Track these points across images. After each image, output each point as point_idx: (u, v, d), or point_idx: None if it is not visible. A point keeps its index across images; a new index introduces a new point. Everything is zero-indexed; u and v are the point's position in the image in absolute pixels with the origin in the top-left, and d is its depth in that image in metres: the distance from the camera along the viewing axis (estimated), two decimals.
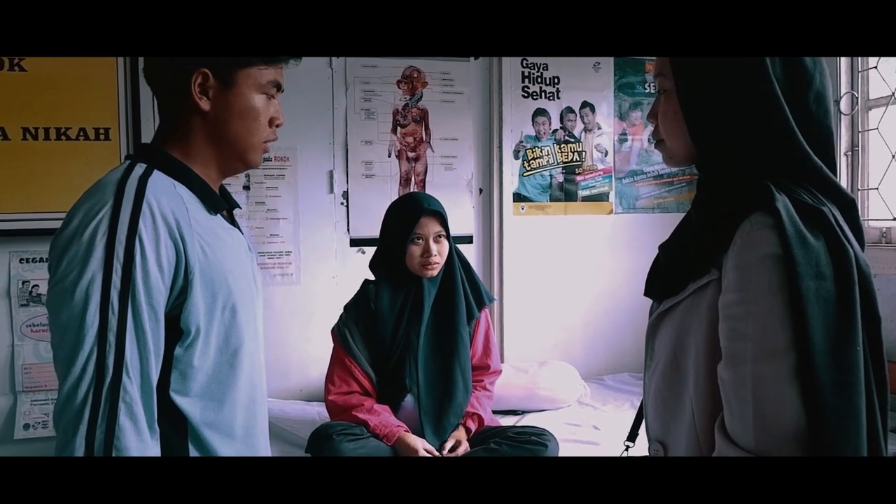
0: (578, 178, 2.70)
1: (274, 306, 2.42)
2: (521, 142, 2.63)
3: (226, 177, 1.07)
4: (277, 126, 1.06)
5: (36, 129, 2.13)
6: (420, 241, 1.85)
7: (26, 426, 2.17)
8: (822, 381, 0.71)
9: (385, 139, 2.51)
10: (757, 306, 0.74)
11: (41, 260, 2.16)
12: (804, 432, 0.71)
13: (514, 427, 1.94)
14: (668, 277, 0.88)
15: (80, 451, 0.83)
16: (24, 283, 2.17)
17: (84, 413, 0.84)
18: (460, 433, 1.88)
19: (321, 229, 2.47)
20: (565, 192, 2.69)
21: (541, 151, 2.66)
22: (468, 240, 2.62)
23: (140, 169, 0.93)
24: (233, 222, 1.09)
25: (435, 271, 1.88)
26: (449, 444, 1.84)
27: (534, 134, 2.65)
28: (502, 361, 2.53)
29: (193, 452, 0.96)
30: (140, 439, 0.87)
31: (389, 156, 2.52)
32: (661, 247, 0.92)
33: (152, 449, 0.89)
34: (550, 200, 2.67)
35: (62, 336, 0.86)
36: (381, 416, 1.82)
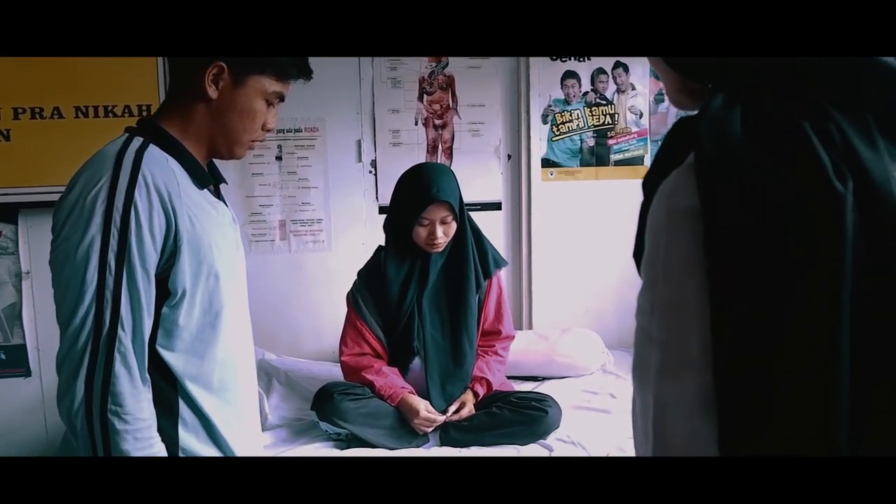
0: (610, 141, 2.62)
1: (306, 272, 2.53)
2: (550, 106, 2.58)
3: (209, 158, 1.16)
4: (268, 131, 1.15)
5: (87, 108, 2.31)
6: (427, 223, 1.88)
7: None
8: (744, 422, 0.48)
9: (412, 107, 2.54)
10: (654, 291, 0.53)
11: None
12: None
13: (517, 392, 1.97)
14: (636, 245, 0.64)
15: (79, 394, 0.95)
16: None
17: (84, 361, 0.94)
18: (467, 396, 1.93)
19: (350, 197, 2.55)
20: (596, 157, 2.62)
21: (570, 115, 2.60)
22: (496, 206, 2.62)
23: (137, 142, 1.03)
24: (219, 196, 1.18)
25: (440, 249, 1.92)
26: (453, 407, 1.89)
27: (563, 97, 2.59)
28: (530, 328, 2.54)
29: (181, 401, 1.06)
30: (133, 385, 0.97)
31: (416, 124, 2.55)
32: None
33: (144, 394, 0.99)
34: (581, 165, 2.62)
35: (65, 292, 0.97)
36: (388, 378, 1.89)
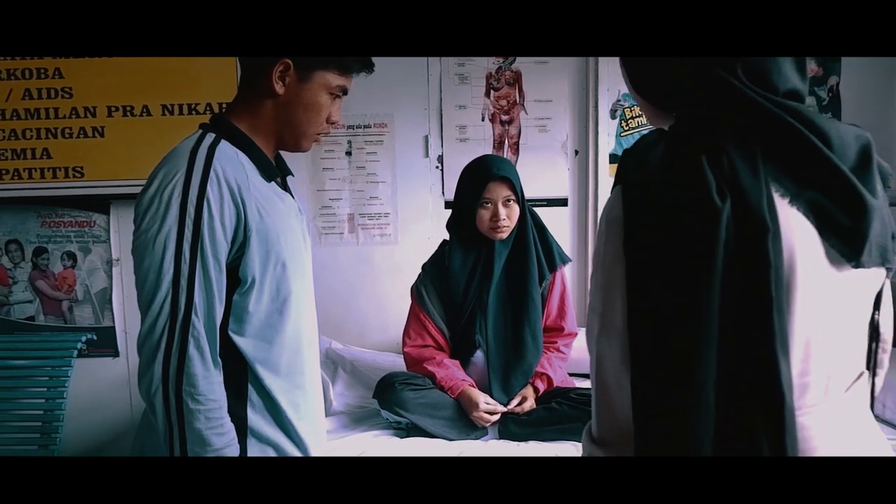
0: None
1: (373, 264, 2.59)
2: (619, 100, 2.54)
3: (277, 151, 1.21)
4: (332, 124, 1.19)
5: (172, 105, 2.45)
6: (489, 205, 1.90)
7: None
8: (643, 371, 0.64)
9: (478, 103, 2.55)
10: (597, 274, 0.72)
11: None
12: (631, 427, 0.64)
13: (577, 388, 1.95)
14: None
15: (157, 375, 1.02)
16: None
17: (161, 344, 1.01)
18: (528, 391, 1.93)
19: (417, 192, 2.59)
20: None
21: (640, 110, 2.54)
22: (563, 202, 2.60)
23: (209, 139, 1.09)
24: (286, 188, 1.23)
25: (504, 234, 1.92)
26: (515, 402, 1.90)
27: None
28: None
29: (250, 384, 1.12)
30: (205, 368, 1.03)
31: (483, 119, 2.56)
32: None
33: (216, 377, 1.05)
34: None
35: (144, 279, 1.04)
36: (449, 370, 1.92)
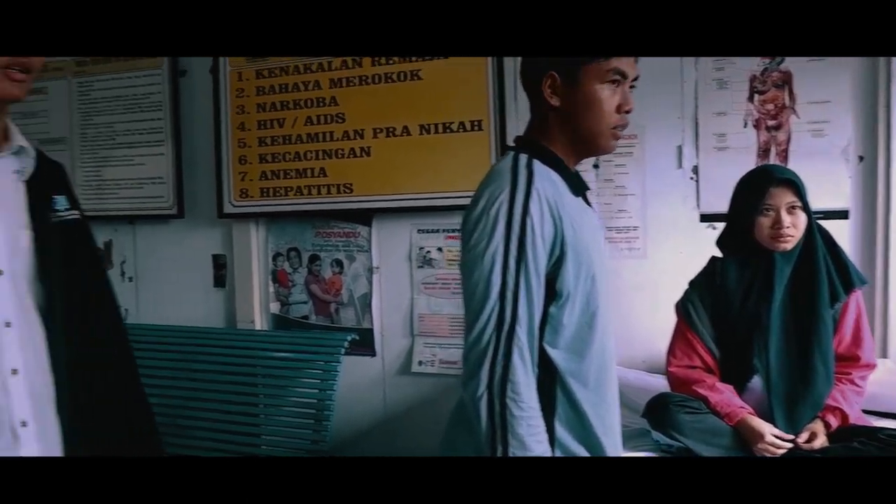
0: None
1: (621, 279, 2.51)
2: None
3: (579, 161, 1.24)
4: (627, 112, 1.17)
5: (429, 125, 2.62)
6: (770, 212, 1.74)
7: (420, 363, 2.72)
8: None
9: (740, 109, 2.36)
10: None
11: (433, 230, 2.67)
12: None
13: (887, 429, 1.69)
14: None
15: (483, 381, 1.06)
16: (420, 248, 2.71)
17: (487, 352, 1.07)
18: (817, 426, 1.72)
19: (669, 204, 2.46)
20: None
21: None
22: (843, 215, 2.30)
23: (523, 158, 1.15)
24: (587, 202, 1.26)
25: (788, 244, 1.75)
26: (804, 437, 1.71)
27: None
28: (885, 356, 2.19)
29: (560, 395, 1.14)
30: (527, 377, 1.08)
31: (745, 126, 2.36)
32: None
33: (534, 385, 1.09)
34: None
35: (473, 292, 1.10)
36: (724, 395, 1.78)
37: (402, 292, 2.74)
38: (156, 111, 2.99)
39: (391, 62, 2.64)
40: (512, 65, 2.50)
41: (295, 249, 2.89)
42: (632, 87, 1.18)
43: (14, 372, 1.00)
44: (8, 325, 1.00)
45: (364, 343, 2.79)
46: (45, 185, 1.09)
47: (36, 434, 1.01)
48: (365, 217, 2.76)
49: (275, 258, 2.92)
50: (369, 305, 2.79)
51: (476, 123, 2.56)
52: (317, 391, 2.63)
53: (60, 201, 1.11)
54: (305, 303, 2.89)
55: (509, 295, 1.06)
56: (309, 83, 2.76)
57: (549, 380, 1.11)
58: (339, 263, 2.83)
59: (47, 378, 1.03)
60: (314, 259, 2.87)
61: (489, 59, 2.52)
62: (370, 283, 2.79)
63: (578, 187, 1.18)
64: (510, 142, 2.47)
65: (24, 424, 1.00)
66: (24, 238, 1.04)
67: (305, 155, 2.78)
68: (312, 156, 2.77)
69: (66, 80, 3.21)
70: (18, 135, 1.08)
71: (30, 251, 1.03)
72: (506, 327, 1.06)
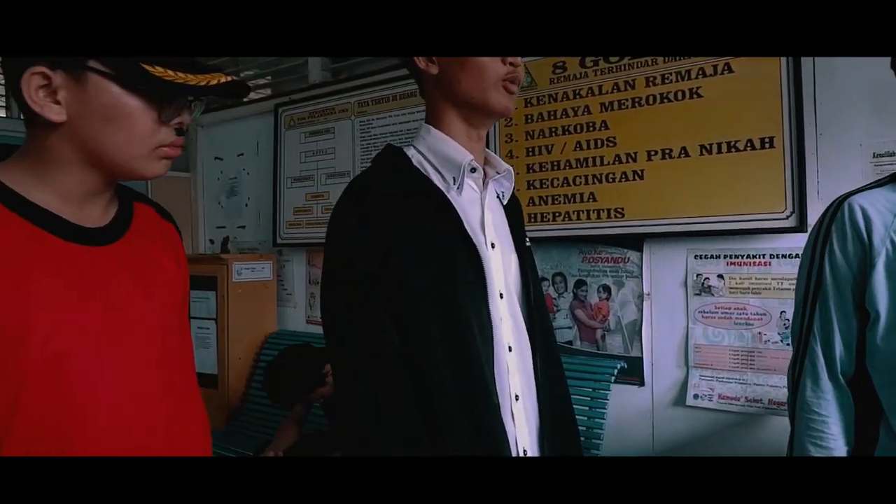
0: None
1: None
2: None
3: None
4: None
5: (710, 145, 2.49)
6: None
7: (695, 396, 2.57)
8: None
9: None
10: None
11: (713, 256, 2.52)
12: None
13: None
14: None
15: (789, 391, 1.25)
16: (697, 275, 2.57)
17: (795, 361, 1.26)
18: None
19: None
20: None
21: None
22: None
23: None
24: None
25: None
26: None
27: None
28: None
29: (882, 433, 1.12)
30: (815, 383, 1.20)
31: None
32: None
33: (828, 395, 1.18)
34: None
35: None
36: None
37: (676, 320, 2.62)
38: None
39: (667, 81, 2.57)
40: (811, 74, 2.29)
41: (560, 274, 2.91)
42: None
43: (517, 398, 1.06)
44: (510, 349, 1.07)
45: (632, 371, 2.71)
46: (511, 207, 1.23)
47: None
48: (636, 242, 2.70)
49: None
50: (639, 333, 2.71)
51: (767, 140, 2.37)
52: (585, 418, 2.60)
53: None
54: (570, 328, 2.89)
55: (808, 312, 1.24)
56: (578, 108, 2.78)
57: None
58: (606, 289, 2.79)
59: (535, 403, 1.12)
60: (580, 284, 2.86)
61: (783, 69, 2.33)
62: (640, 309, 2.71)
63: None
64: (808, 158, 2.26)
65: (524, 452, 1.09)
66: (514, 262, 1.13)
67: (574, 180, 2.80)
68: (581, 180, 2.78)
69: (350, 121, 3.61)
70: (498, 158, 1.22)
71: (518, 274, 1.14)
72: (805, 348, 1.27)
